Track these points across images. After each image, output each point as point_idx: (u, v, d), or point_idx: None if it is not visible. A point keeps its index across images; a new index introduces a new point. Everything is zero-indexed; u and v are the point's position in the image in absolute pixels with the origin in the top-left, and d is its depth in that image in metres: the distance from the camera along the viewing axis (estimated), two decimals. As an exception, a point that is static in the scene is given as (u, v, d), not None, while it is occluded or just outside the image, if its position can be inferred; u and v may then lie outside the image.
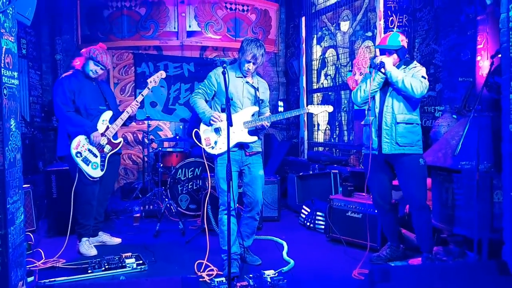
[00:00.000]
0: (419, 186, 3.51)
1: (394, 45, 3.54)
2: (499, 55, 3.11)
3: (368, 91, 3.52)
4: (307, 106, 3.71)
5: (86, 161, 3.94)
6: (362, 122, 3.77)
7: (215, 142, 3.55)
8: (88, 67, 4.04)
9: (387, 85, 3.54)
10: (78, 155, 3.91)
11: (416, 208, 3.53)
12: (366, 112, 3.72)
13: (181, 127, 7.30)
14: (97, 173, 3.99)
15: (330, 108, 3.73)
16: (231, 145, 3.34)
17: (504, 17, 2.90)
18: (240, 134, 3.53)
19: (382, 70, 3.48)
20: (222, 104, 3.52)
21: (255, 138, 3.59)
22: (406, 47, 3.60)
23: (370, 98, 3.56)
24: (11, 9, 2.47)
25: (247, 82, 3.61)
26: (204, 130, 3.60)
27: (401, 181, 3.60)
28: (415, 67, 3.55)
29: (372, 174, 3.68)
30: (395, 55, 3.55)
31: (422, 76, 3.46)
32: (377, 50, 3.84)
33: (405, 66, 3.57)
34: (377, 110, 3.58)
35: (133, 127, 7.10)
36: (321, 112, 3.73)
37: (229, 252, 3.06)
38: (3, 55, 2.37)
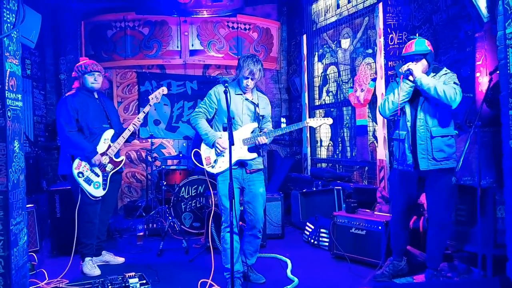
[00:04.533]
0: (446, 205, 3.41)
1: (422, 50, 3.37)
2: (497, 72, 3.13)
3: (397, 102, 3.38)
4: (306, 120, 3.67)
5: (88, 180, 3.96)
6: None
7: (215, 161, 3.58)
8: (87, 82, 4.06)
9: (418, 96, 3.39)
10: (80, 175, 3.93)
11: (439, 226, 3.43)
12: (393, 124, 3.61)
13: (184, 144, 7.33)
14: (99, 192, 4.01)
15: (329, 121, 3.63)
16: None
17: (501, 35, 2.93)
18: (239, 151, 3.54)
19: (411, 78, 3.32)
20: (223, 123, 3.56)
21: (254, 155, 3.60)
22: (433, 51, 3.46)
23: (400, 110, 3.43)
24: (15, 32, 2.52)
25: (246, 99, 3.63)
26: (204, 150, 3.64)
27: (430, 196, 3.49)
28: (446, 73, 3.39)
29: (401, 190, 3.59)
30: (424, 61, 3.40)
31: (454, 83, 3.30)
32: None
33: (434, 74, 3.41)
34: (408, 124, 3.44)
35: (137, 145, 7.14)
36: (320, 125, 3.65)
37: (232, 270, 3.05)
38: (7, 78, 2.41)
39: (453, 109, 3.28)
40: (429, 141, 3.35)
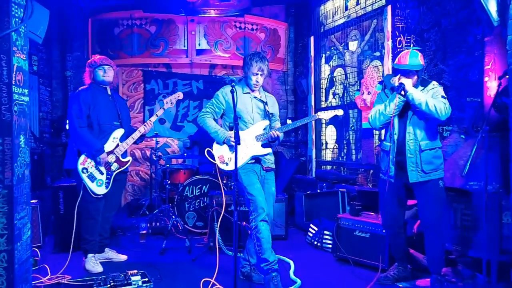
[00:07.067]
0: (437, 208, 3.41)
1: (416, 65, 3.32)
2: (507, 76, 3.11)
3: (388, 115, 3.37)
4: (317, 112, 3.70)
5: (92, 177, 3.95)
6: (375, 145, 3.73)
7: (230, 159, 3.58)
8: (99, 75, 4.07)
9: (407, 109, 3.39)
10: (84, 171, 3.93)
11: (432, 229, 3.43)
12: (377, 135, 3.68)
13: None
14: (101, 190, 4.00)
15: (340, 112, 3.67)
16: (246, 159, 3.53)
17: (511, 39, 2.91)
18: (253, 147, 3.58)
19: (402, 92, 3.29)
20: (230, 122, 3.56)
21: (269, 150, 3.65)
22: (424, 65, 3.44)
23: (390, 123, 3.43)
24: (23, 27, 2.52)
25: (255, 97, 3.65)
26: (216, 149, 3.64)
27: (420, 203, 3.48)
28: (434, 87, 3.38)
29: (387, 198, 3.59)
30: (415, 76, 3.37)
31: (442, 96, 3.29)
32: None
33: (422, 87, 3.40)
34: (395, 137, 3.43)
35: (142, 143, 7.12)
36: (331, 116, 3.73)
37: (235, 266, 3.04)
38: (14, 73, 2.41)
39: (442, 120, 3.29)
40: (418, 154, 3.37)
